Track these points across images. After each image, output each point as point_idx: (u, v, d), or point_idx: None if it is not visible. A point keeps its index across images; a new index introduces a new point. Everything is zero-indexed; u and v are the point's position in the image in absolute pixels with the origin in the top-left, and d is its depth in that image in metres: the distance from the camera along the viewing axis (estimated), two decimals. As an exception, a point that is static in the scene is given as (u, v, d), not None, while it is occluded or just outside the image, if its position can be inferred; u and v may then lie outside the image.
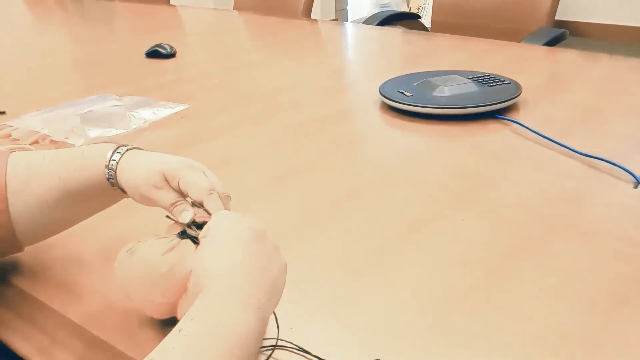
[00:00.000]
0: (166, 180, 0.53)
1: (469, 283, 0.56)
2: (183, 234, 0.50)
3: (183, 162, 0.53)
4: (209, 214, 0.51)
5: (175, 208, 0.52)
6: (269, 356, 0.48)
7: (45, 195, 0.55)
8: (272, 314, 0.51)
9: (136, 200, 0.54)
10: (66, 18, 2.23)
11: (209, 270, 0.45)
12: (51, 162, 0.56)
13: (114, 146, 0.55)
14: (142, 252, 0.48)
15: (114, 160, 0.53)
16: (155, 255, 0.47)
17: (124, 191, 0.55)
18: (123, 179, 0.54)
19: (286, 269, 0.49)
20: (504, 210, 0.69)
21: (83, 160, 0.55)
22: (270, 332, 0.50)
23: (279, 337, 0.49)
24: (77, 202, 0.56)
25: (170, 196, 0.52)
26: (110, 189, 0.55)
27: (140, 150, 0.56)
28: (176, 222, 0.52)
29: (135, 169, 0.53)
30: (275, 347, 0.49)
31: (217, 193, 0.52)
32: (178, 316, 0.47)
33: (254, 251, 0.46)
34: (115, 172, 0.54)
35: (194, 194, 0.51)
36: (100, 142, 0.58)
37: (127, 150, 0.55)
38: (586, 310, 0.52)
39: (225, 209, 0.52)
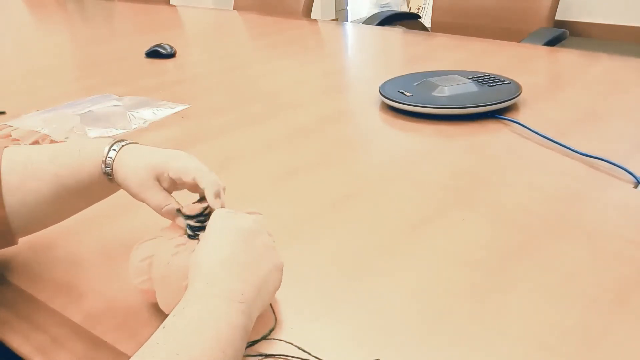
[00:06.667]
0: (156, 178, 0.54)
1: (468, 283, 0.56)
2: (192, 236, 0.52)
3: (170, 154, 0.55)
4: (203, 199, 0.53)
5: (164, 210, 0.54)
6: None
7: (41, 191, 0.56)
8: (270, 309, 0.51)
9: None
10: (66, 18, 2.23)
11: (198, 266, 0.46)
12: (48, 158, 0.57)
13: (110, 142, 0.56)
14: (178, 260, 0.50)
15: (110, 157, 0.55)
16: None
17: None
18: (119, 177, 0.55)
19: (281, 269, 0.50)
20: (504, 210, 0.69)
21: (80, 159, 0.56)
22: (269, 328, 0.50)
23: (279, 338, 0.49)
24: (74, 197, 0.57)
25: (158, 198, 0.54)
26: (108, 182, 0.56)
27: (135, 146, 0.57)
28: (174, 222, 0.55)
29: (127, 170, 0.54)
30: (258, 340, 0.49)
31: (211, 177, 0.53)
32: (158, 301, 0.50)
33: (241, 249, 0.47)
34: (112, 168, 0.55)
35: (186, 178, 0.53)
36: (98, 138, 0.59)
37: (123, 146, 0.56)
38: (586, 310, 0.52)
39: (218, 197, 0.53)
